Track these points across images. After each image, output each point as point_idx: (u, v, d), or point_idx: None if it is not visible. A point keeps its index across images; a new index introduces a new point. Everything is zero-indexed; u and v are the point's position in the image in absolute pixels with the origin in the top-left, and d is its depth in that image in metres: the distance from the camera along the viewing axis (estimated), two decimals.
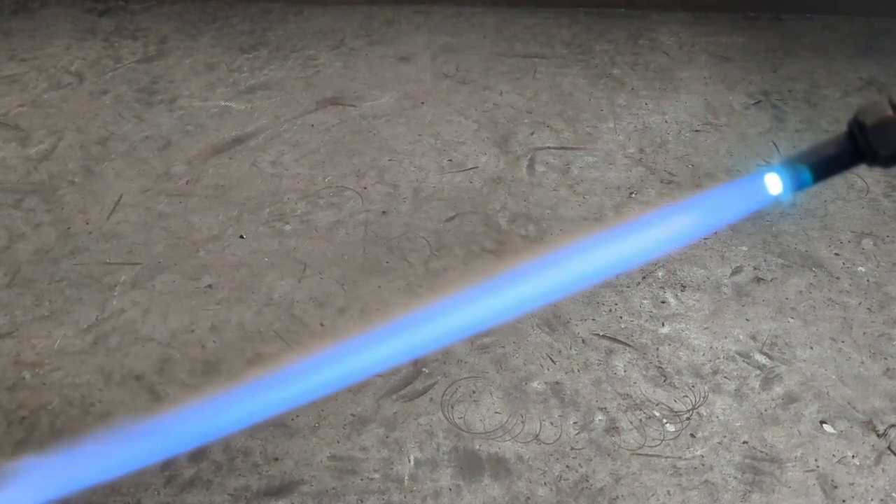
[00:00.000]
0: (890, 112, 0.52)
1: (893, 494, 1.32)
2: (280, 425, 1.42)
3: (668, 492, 1.32)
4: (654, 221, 0.62)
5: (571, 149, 2.07)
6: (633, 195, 1.92)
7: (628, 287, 1.68)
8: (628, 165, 2.01)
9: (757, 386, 1.49)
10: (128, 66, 2.40)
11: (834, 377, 1.50)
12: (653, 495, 1.32)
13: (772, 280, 1.70)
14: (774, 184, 0.57)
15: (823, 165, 0.55)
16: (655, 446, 1.39)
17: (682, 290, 1.68)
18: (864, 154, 0.53)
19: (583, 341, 1.57)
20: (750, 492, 1.32)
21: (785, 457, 1.37)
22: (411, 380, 1.49)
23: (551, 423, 1.42)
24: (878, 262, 1.74)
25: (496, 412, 1.44)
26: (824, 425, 1.42)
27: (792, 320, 1.62)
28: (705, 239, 1.80)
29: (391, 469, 1.35)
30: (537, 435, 1.40)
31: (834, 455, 1.38)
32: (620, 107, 2.22)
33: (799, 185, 0.56)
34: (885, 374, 1.51)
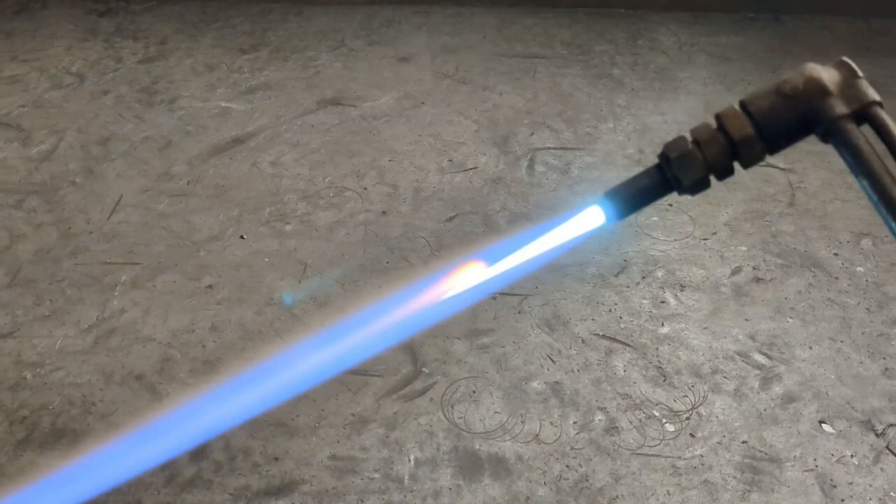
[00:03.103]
0: (690, 146, 0.60)
1: (892, 493, 1.32)
2: (280, 425, 1.42)
3: (668, 491, 1.32)
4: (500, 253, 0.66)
5: (571, 149, 2.08)
6: None
7: (628, 287, 1.69)
8: (628, 166, 2.01)
9: (756, 386, 1.49)
10: (128, 66, 2.41)
11: (833, 377, 1.51)
12: (652, 495, 1.32)
13: (771, 280, 1.71)
14: (596, 215, 0.64)
15: (639, 196, 0.63)
16: (655, 446, 1.39)
17: (681, 290, 1.68)
18: (671, 184, 0.59)
19: (583, 341, 1.57)
20: (749, 491, 1.32)
21: (784, 456, 1.38)
22: (411, 380, 1.50)
23: (551, 423, 1.43)
24: (877, 262, 1.75)
25: (496, 412, 1.44)
26: (823, 425, 1.43)
27: (791, 320, 1.62)
28: (704, 239, 1.80)
29: (391, 469, 1.35)
30: (537, 435, 1.41)
31: (833, 454, 1.38)
32: (620, 107, 2.23)
33: (618, 216, 0.62)
34: (884, 373, 1.51)
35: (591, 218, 0.64)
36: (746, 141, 0.59)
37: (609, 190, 0.63)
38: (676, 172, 0.62)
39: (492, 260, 0.66)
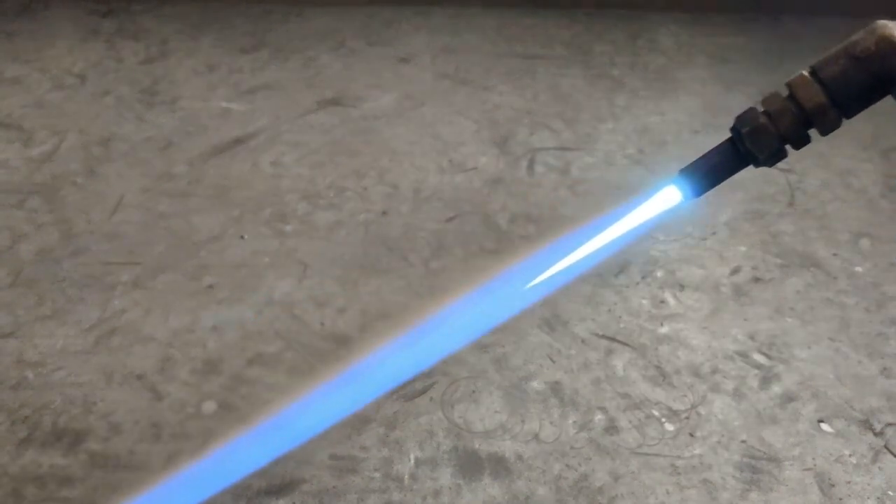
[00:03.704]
0: (761, 119, 0.58)
1: (890, 492, 1.33)
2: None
3: (667, 490, 1.33)
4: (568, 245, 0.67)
5: (571, 149, 2.08)
6: (633, 195, 1.92)
7: (627, 287, 1.69)
8: (628, 166, 2.02)
9: (755, 385, 1.50)
10: (130, 67, 2.41)
11: (832, 376, 1.51)
12: (651, 494, 1.32)
13: (770, 280, 1.71)
14: (673, 194, 0.64)
15: (714, 173, 0.62)
16: (654, 445, 1.40)
17: (680, 290, 1.69)
18: (746, 158, 0.59)
19: (582, 341, 1.58)
20: (748, 490, 1.33)
21: (783, 456, 1.38)
22: (411, 380, 1.50)
23: (551, 423, 1.43)
24: (876, 262, 1.75)
25: (496, 411, 1.45)
26: (822, 424, 1.43)
27: (790, 320, 1.62)
28: (704, 239, 1.81)
29: (391, 468, 1.36)
30: (537, 434, 1.41)
31: (831, 454, 1.38)
32: (620, 107, 2.23)
33: (694, 194, 0.62)
34: (882, 373, 1.52)
35: (668, 197, 0.64)
36: (819, 109, 0.56)
37: (684, 168, 0.62)
38: (750, 147, 0.60)
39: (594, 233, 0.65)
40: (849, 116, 0.57)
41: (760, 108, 0.59)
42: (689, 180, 0.61)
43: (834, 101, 0.55)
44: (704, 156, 0.61)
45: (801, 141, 0.57)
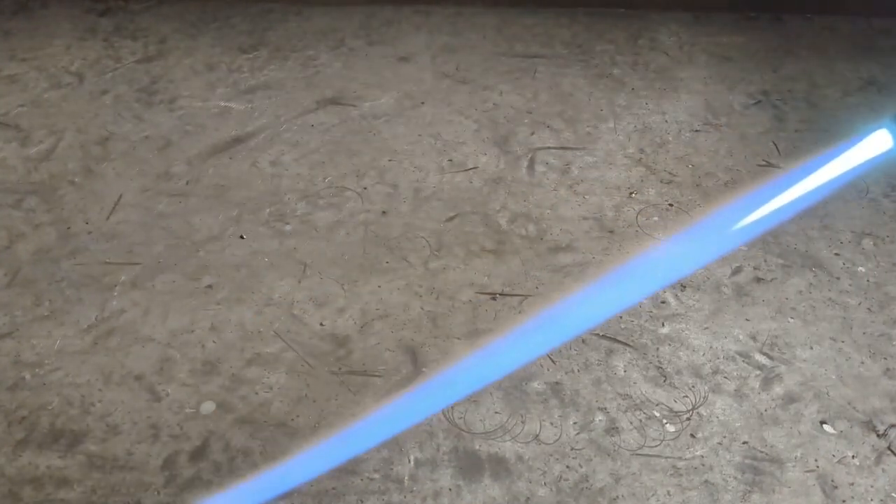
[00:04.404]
0: None
1: (893, 494, 1.32)
2: (280, 425, 1.42)
3: (668, 492, 1.32)
4: (802, 174, 0.66)
5: (571, 149, 2.07)
6: (633, 195, 1.92)
7: None
8: (628, 165, 2.01)
9: (757, 386, 1.49)
10: (128, 66, 2.40)
11: (834, 377, 1.50)
12: (653, 495, 1.32)
13: (772, 280, 1.70)
14: (886, 138, 0.62)
15: None
16: (655, 446, 1.39)
17: (682, 290, 1.68)
18: None
19: (583, 341, 1.57)
20: (750, 492, 1.32)
21: (785, 457, 1.37)
22: (411, 380, 1.49)
23: (551, 423, 1.42)
24: (878, 262, 1.74)
25: (496, 412, 1.44)
26: (824, 425, 1.42)
27: (792, 320, 1.62)
28: None
29: (391, 469, 1.35)
30: (537, 435, 1.40)
31: (834, 455, 1.38)
32: (620, 107, 2.22)
33: None
34: (885, 374, 1.51)
35: (879, 142, 0.63)
36: None
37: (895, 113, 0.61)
38: None
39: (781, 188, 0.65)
40: None
41: None
42: None
43: None
44: None
45: None
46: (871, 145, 0.63)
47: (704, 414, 1.44)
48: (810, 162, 0.66)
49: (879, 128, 0.62)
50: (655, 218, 1.85)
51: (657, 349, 1.56)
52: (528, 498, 1.31)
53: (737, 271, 1.72)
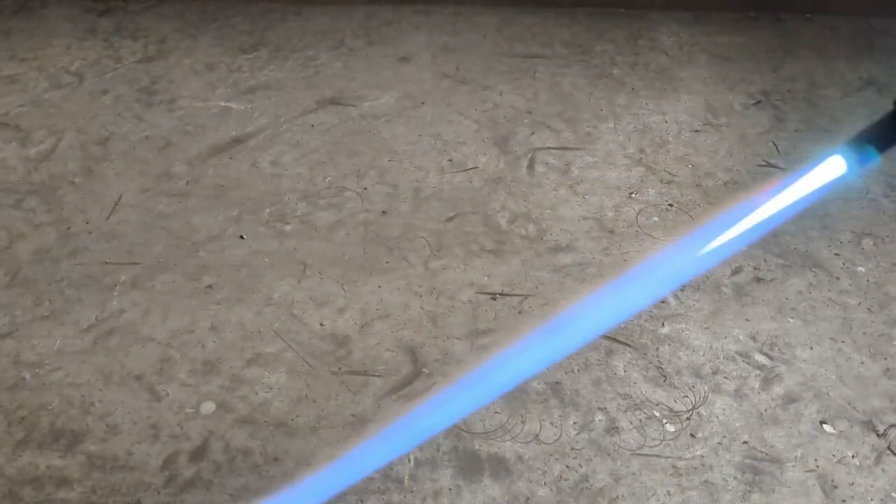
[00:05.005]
0: None
1: (893, 494, 1.32)
2: (280, 425, 1.42)
3: (668, 492, 1.32)
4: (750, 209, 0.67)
5: (571, 149, 2.07)
6: (633, 195, 1.92)
7: None
8: (628, 165, 2.01)
9: (757, 386, 1.49)
10: (128, 66, 2.40)
11: (834, 377, 1.51)
12: (653, 495, 1.32)
13: (772, 280, 1.70)
14: (840, 164, 0.65)
15: (881, 141, 0.63)
16: (655, 446, 1.39)
17: (681, 290, 1.68)
18: None
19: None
20: (750, 492, 1.32)
21: (785, 457, 1.37)
22: (411, 380, 1.49)
23: (551, 423, 1.42)
24: (878, 262, 1.74)
25: (496, 412, 1.44)
26: (824, 425, 1.42)
27: (792, 320, 1.62)
28: None
29: (391, 469, 1.35)
30: (537, 435, 1.40)
31: (834, 455, 1.38)
32: (620, 107, 2.22)
33: (863, 162, 0.63)
34: (885, 374, 1.51)
35: (834, 168, 0.65)
36: None
37: (850, 139, 0.64)
38: None
39: (744, 214, 0.67)
40: None
41: None
42: (855, 151, 0.62)
43: None
44: (869, 127, 0.63)
45: None
46: (826, 171, 0.66)
47: (704, 414, 1.44)
48: (776, 185, 0.68)
49: (834, 154, 0.65)
50: (655, 218, 1.85)
51: (657, 349, 1.56)
52: (528, 498, 1.31)
53: (737, 271, 1.72)
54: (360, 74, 2.36)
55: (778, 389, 1.48)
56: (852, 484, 1.33)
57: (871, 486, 1.33)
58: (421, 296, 1.66)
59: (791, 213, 0.66)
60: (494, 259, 1.75)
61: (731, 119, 2.16)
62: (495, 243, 1.79)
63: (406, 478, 1.34)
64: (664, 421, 1.43)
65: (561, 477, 1.34)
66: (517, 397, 1.46)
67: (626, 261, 1.74)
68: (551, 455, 1.37)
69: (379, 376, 1.50)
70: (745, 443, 1.39)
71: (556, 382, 1.49)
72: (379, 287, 1.68)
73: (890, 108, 0.63)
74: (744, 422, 1.43)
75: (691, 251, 0.69)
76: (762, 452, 1.38)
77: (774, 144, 2.06)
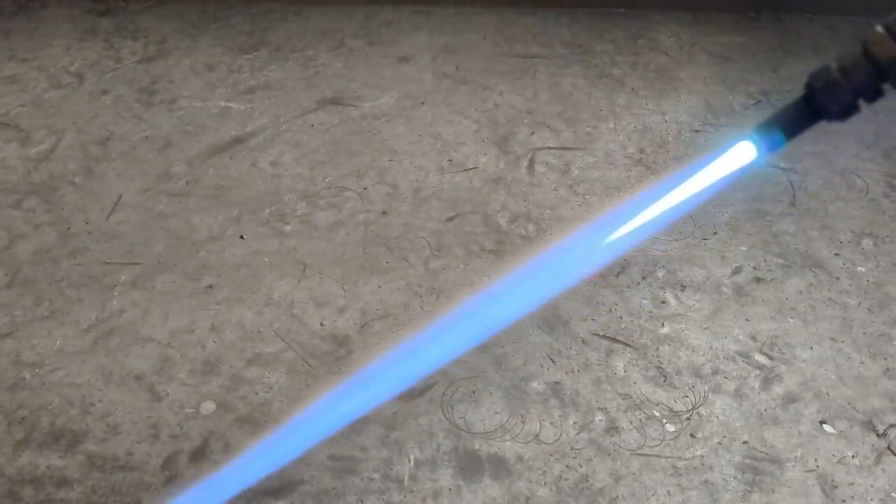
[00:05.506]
0: (835, 75, 0.61)
1: (893, 494, 1.32)
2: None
3: (668, 492, 1.32)
4: (640, 204, 0.67)
5: (571, 149, 2.07)
6: (633, 195, 1.91)
7: (628, 287, 1.68)
8: (628, 165, 2.01)
9: (757, 386, 1.49)
10: (128, 66, 2.40)
11: (834, 377, 1.51)
12: (653, 495, 1.32)
13: (772, 280, 1.70)
14: (749, 150, 0.65)
15: (788, 128, 0.64)
16: (655, 446, 1.39)
17: (682, 291, 1.68)
18: (819, 113, 0.60)
19: (583, 341, 1.57)
20: (750, 492, 1.32)
21: (785, 457, 1.37)
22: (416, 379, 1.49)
23: (551, 423, 1.42)
24: (878, 262, 1.74)
25: (496, 412, 1.44)
26: (824, 425, 1.43)
27: (792, 320, 1.62)
28: (705, 239, 1.80)
29: (391, 469, 1.35)
30: (537, 435, 1.40)
31: (834, 455, 1.38)
32: (620, 107, 2.22)
33: (772, 148, 0.64)
34: (885, 374, 1.51)
35: (743, 154, 0.65)
36: (894, 63, 0.59)
37: (759, 124, 0.64)
38: (823, 101, 0.62)
39: (649, 201, 0.66)
40: None
41: (834, 66, 0.62)
42: (764, 136, 0.62)
43: None
44: (778, 112, 0.63)
45: (874, 95, 0.60)
46: (735, 157, 0.66)
47: (704, 414, 1.44)
48: (685, 171, 0.68)
49: (743, 139, 0.65)
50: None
51: (657, 349, 1.56)
52: (528, 498, 1.31)
53: (737, 271, 1.72)
54: (360, 74, 2.36)
55: (778, 389, 1.48)
56: (852, 484, 1.33)
57: (871, 486, 1.33)
58: (421, 296, 1.66)
59: (700, 200, 0.66)
60: (494, 259, 1.75)
61: (731, 119, 2.16)
62: (495, 243, 1.79)
63: (406, 478, 1.34)
64: (664, 421, 1.43)
65: (561, 477, 1.34)
66: (517, 397, 1.46)
67: (625, 260, 1.74)
68: (551, 455, 1.37)
69: None
70: (745, 443, 1.39)
71: (556, 382, 1.49)
72: (379, 287, 1.68)
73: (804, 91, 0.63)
74: (744, 422, 1.43)
75: (599, 238, 0.68)
76: (762, 452, 1.38)
77: None
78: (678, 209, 0.67)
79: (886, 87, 0.60)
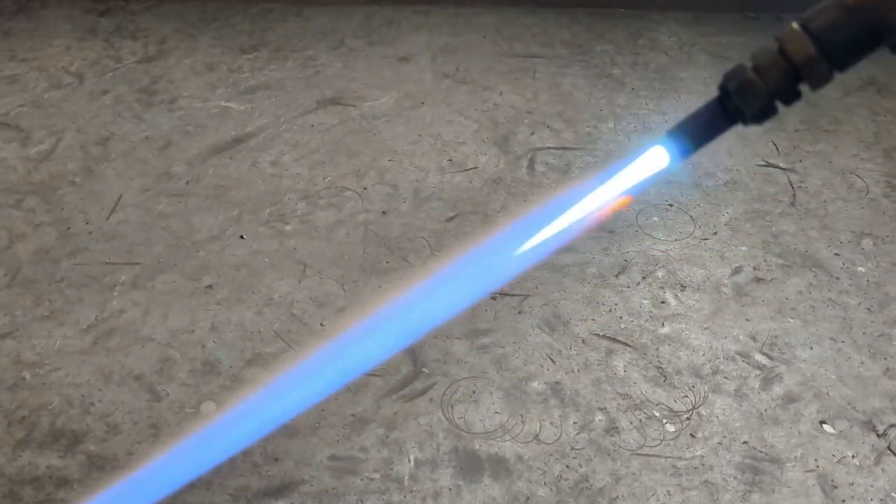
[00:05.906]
0: (750, 74, 0.55)
1: (893, 494, 1.32)
2: (280, 425, 1.42)
3: (668, 492, 1.32)
4: (560, 206, 0.65)
5: (571, 149, 2.07)
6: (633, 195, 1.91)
7: (628, 287, 1.68)
8: None
9: (757, 386, 1.49)
10: (128, 66, 2.40)
11: (834, 377, 1.51)
12: (653, 495, 1.32)
13: (772, 280, 1.70)
14: (661, 156, 0.62)
15: (702, 132, 0.60)
16: (655, 446, 1.39)
17: (681, 291, 1.68)
18: (734, 115, 0.57)
19: (583, 341, 1.57)
20: (750, 492, 1.32)
21: (785, 457, 1.37)
22: (411, 380, 1.49)
23: (551, 423, 1.42)
24: (878, 262, 1.74)
25: (496, 412, 1.44)
26: (824, 425, 1.43)
27: (792, 320, 1.62)
28: (705, 239, 1.80)
29: (391, 469, 1.35)
30: (537, 435, 1.40)
31: (834, 455, 1.38)
32: (620, 107, 2.23)
33: (682, 154, 0.60)
34: (885, 373, 1.51)
35: (655, 159, 0.62)
36: (809, 63, 0.54)
37: (671, 128, 0.60)
38: (738, 103, 0.57)
39: (565, 208, 0.65)
40: (841, 70, 0.54)
41: (749, 64, 0.56)
42: (677, 141, 0.59)
43: (825, 53, 0.53)
44: (691, 115, 0.59)
45: (791, 96, 0.54)
46: (647, 162, 0.62)
47: (704, 414, 1.44)
48: (597, 176, 0.66)
49: (655, 144, 0.62)
50: (655, 218, 1.85)
51: (657, 349, 1.56)
52: (528, 498, 1.31)
53: (737, 271, 1.72)
54: (360, 74, 2.36)
55: (778, 389, 1.48)
56: (852, 484, 1.33)
57: (871, 486, 1.33)
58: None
59: (609, 205, 0.64)
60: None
61: None
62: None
63: (406, 478, 1.34)
64: (664, 421, 1.43)
65: (561, 477, 1.34)
66: (517, 397, 1.46)
67: (625, 260, 1.74)
68: (551, 455, 1.37)
69: (379, 376, 1.50)
70: (745, 443, 1.39)
71: (556, 382, 1.49)
72: (379, 287, 1.68)
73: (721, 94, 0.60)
74: (744, 422, 1.43)
75: (510, 247, 0.67)
76: (762, 452, 1.38)
77: (774, 144, 2.06)
78: (585, 219, 0.65)
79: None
